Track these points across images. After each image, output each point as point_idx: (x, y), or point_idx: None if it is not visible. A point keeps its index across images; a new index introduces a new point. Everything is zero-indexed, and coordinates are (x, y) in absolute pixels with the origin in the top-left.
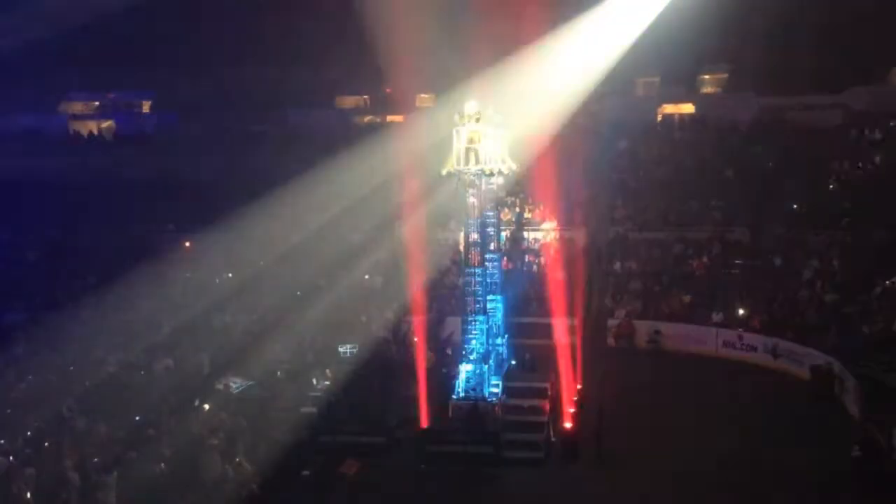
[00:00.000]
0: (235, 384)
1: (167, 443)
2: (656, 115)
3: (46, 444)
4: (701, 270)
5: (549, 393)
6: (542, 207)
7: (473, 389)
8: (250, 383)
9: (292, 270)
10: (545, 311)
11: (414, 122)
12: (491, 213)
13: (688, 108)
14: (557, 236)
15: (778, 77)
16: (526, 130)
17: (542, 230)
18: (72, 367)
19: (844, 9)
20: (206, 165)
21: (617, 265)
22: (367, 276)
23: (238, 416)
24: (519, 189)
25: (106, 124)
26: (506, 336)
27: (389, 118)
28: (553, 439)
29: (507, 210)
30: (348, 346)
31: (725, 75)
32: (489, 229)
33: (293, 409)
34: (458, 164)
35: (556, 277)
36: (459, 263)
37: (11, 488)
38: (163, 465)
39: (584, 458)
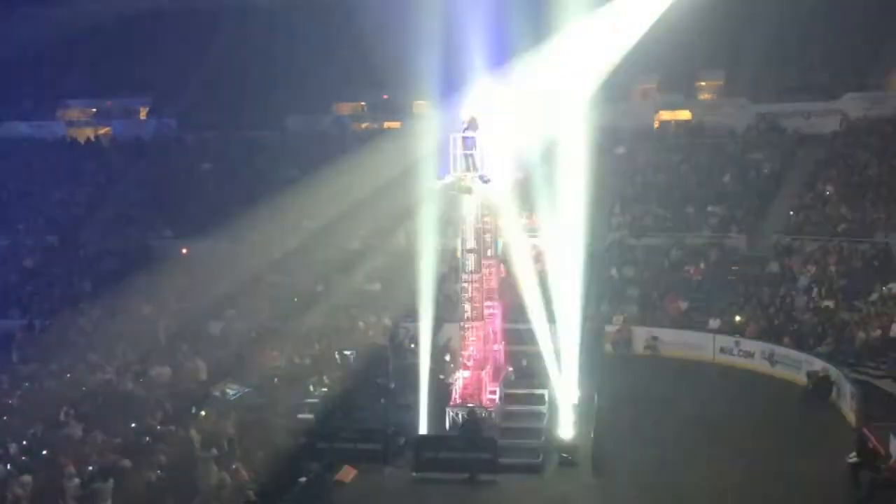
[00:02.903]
0: (232, 391)
1: (164, 450)
2: (653, 121)
3: (43, 451)
4: (698, 276)
5: (546, 399)
6: (539, 213)
7: (471, 396)
8: (247, 390)
9: (290, 276)
10: (543, 316)
11: (411, 128)
12: (488, 220)
13: (685, 114)
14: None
15: (774, 84)
16: (523, 136)
17: (539, 236)
18: (68, 374)
19: (841, 15)
20: (203, 171)
21: (614, 271)
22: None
23: (235, 422)
24: (516, 195)
25: (103, 130)
26: (503, 343)
27: (387, 124)
28: (549, 445)
29: (504, 216)
30: (346, 352)
31: (722, 82)
32: (486, 236)
33: (290, 416)
34: (456, 170)
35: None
36: (457, 270)
37: (7, 496)
38: (159, 472)
39: (581, 464)
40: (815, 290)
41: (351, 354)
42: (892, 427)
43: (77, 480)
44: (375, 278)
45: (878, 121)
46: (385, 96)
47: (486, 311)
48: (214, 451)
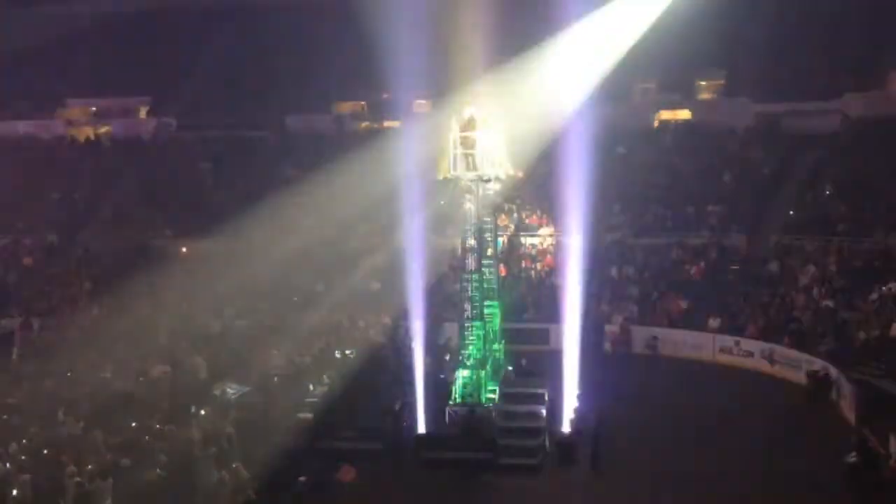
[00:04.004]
0: (232, 390)
1: (163, 449)
2: (653, 120)
3: (44, 450)
4: (698, 276)
5: (546, 398)
6: (539, 213)
7: (470, 395)
8: (247, 389)
9: (290, 276)
10: (542, 316)
11: (411, 127)
12: (488, 219)
13: (684, 114)
14: (554, 242)
15: (774, 83)
16: (523, 136)
17: (539, 236)
18: (68, 374)
19: (841, 15)
20: (203, 171)
21: (614, 271)
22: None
23: (235, 422)
24: (516, 194)
25: (103, 130)
26: (503, 342)
27: (387, 124)
28: (549, 445)
29: (504, 215)
30: (345, 351)
31: (722, 81)
32: (486, 235)
33: (290, 415)
34: (455, 169)
35: (552, 283)
36: (457, 269)
37: (7, 494)
38: (159, 471)
39: (581, 464)
40: (815, 289)
41: (351, 354)
42: (892, 427)
43: (77, 480)
44: (375, 278)
45: (878, 121)
46: (385, 96)
47: (485, 311)
48: (214, 450)
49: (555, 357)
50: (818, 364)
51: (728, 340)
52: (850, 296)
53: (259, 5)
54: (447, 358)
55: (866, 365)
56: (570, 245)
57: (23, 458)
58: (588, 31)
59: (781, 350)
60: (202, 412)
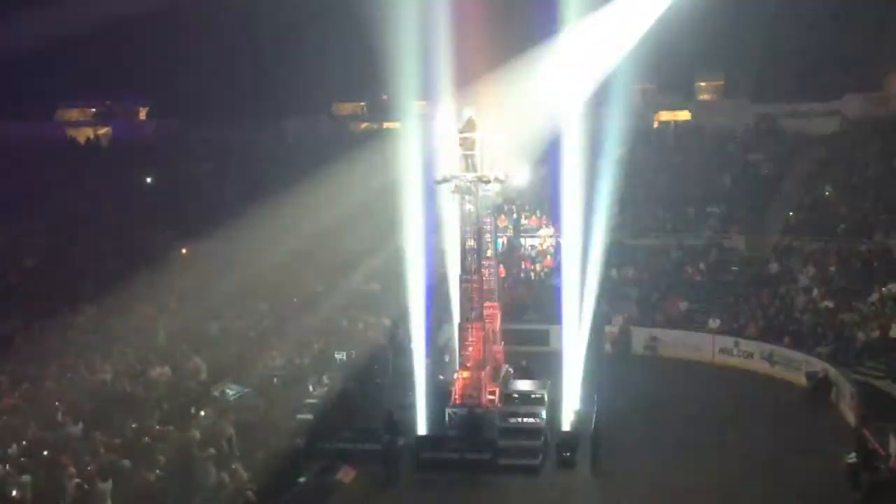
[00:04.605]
0: (232, 391)
1: (163, 450)
2: (653, 122)
3: (43, 451)
4: (697, 277)
5: (546, 399)
6: (538, 214)
7: (470, 396)
8: (247, 390)
9: (290, 277)
10: (542, 317)
11: (411, 128)
12: (487, 220)
13: (684, 115)
14: (554, 243)
15: (774, 84)
16: (522, 137)
17: (538, 237)
18: (68, 374)
19: (841, 16)
20: (203, 172)
21: (614, 271)
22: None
23: (234, 422)
24: (515, 195)
25: (103, 131)
26: (502, 343)
27: (386, 125)
28: (549, 446)
29: (503, 216)
30: (345, 352)
31: (722, 82)
32: (486, 236)
33: (289, 416)
34: (455, 170)
35: (552, 283)
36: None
37: (7, 495)
38: (158, 472)
39: (580, 464)
40: (815, 290)
41: (350, 355)
42: (892, 427)
43: (77, 481)
44: (375, 279)
45: (878, 121)
46: (385, 96)
47: (485, 311)
48: (213, 451)
49: (555, 358)
50: (818, 365)
51: (728, 341)
52: (850, 296)
53: (259, 5)
54: (447, 359)
55: (866, 365)
56: (569, 246)
57: (22, 459)
58: (588, 32)
59: (781, 351)
60: (202, 413)
